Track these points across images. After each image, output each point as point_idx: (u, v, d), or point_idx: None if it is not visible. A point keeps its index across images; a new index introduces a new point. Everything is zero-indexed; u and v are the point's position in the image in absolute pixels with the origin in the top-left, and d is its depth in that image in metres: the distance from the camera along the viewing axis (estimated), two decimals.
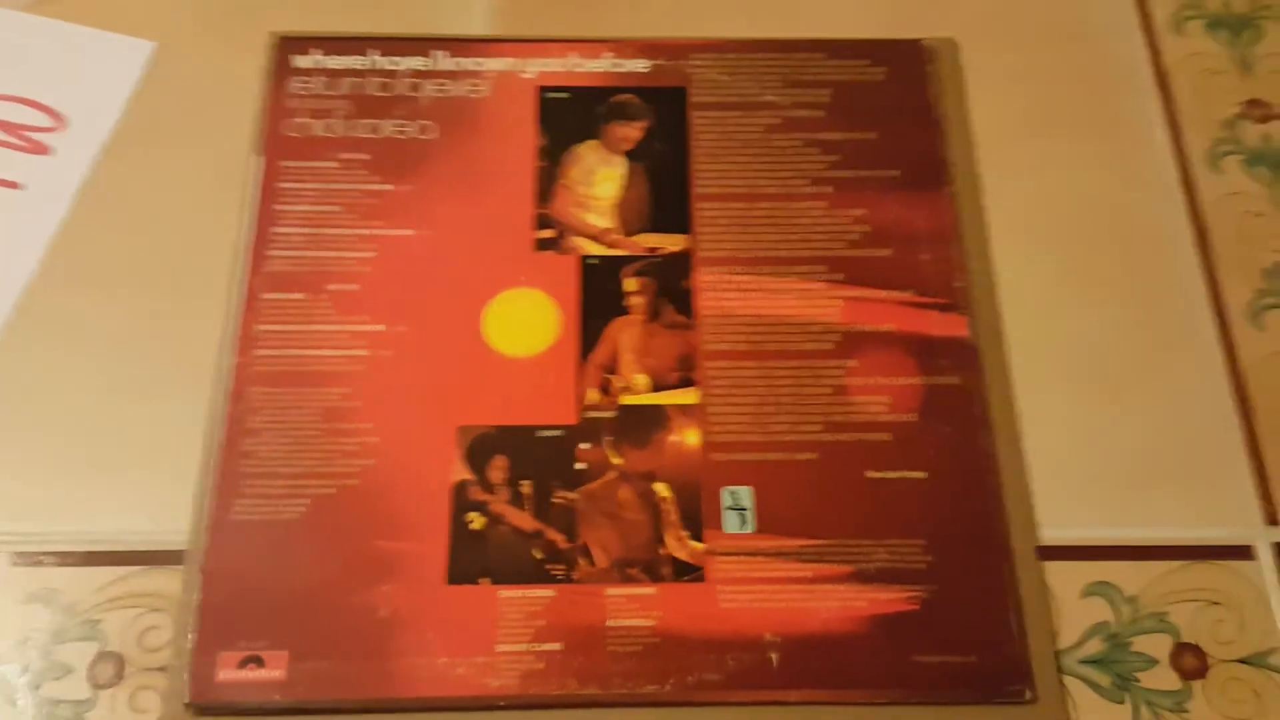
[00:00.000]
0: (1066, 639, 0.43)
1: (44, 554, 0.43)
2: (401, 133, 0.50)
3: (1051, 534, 0.44)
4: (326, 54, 0.51)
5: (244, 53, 0.52)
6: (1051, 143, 0.53)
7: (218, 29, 0.53)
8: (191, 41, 0.53)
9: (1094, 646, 0.43)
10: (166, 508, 0.43)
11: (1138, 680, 0.42)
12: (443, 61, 0.52)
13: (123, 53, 0.52)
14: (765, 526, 0.43)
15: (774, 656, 0.41)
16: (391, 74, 0.51)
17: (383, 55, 0.52)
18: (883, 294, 0.47)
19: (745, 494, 0.44)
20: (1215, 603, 0.44)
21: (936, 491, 0.44)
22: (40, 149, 0.50)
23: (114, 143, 0.51)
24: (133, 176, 0.50)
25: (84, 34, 0.53)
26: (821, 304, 0.47)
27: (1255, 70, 0.55)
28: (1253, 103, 0.54)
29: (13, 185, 0.49)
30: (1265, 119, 0.53)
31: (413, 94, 0.51)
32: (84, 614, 0.42)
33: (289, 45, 0.52)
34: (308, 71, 0.51)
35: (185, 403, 0.45)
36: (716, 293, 0.47)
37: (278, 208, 0.48)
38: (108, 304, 0.47)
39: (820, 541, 0.43)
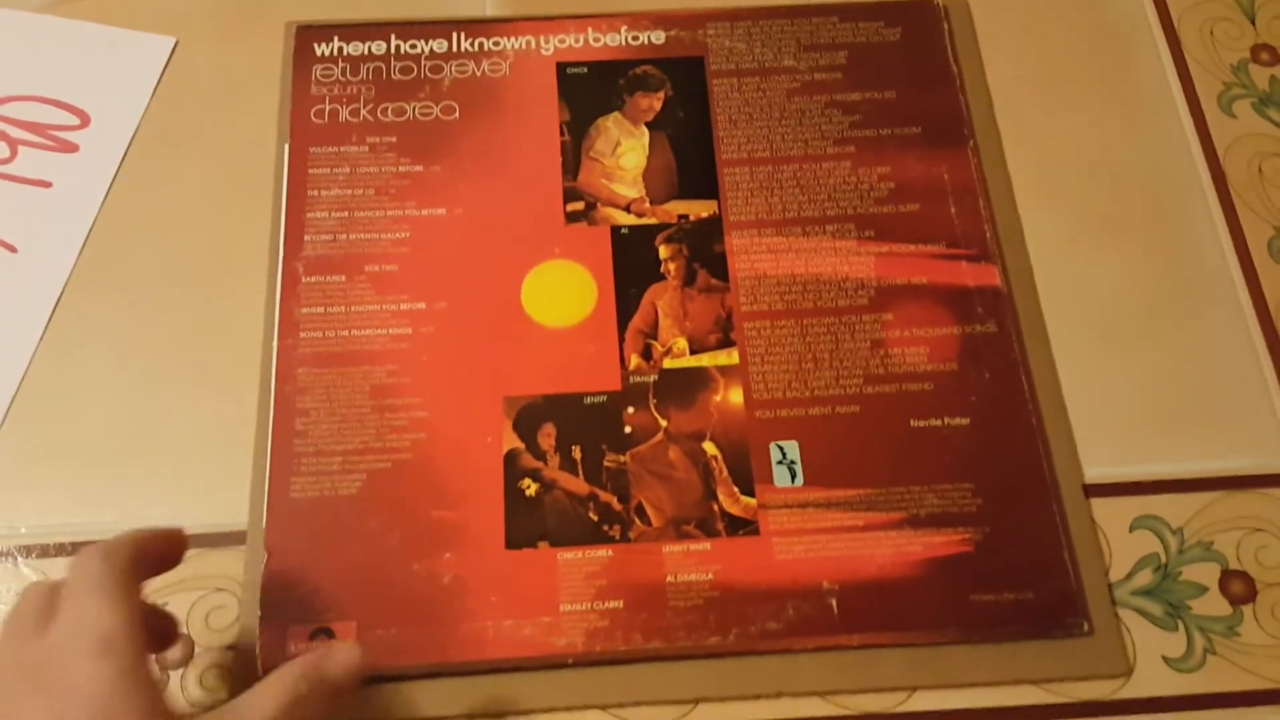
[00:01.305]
0: (1117, 572, 0.43)
1: None
2: (426, 114, 0.50)
3: (1096, 472, 0.45)
4: (346, 41, 0.52)
5: (263, 44, 0.52)
6: (1065, 96, 0.53)
7: (235, 22, 0.54)
8: (210, 36, 0.53)
9: (1145, 578, 0.43)
10: (221, 491, 0.44)
11: (1189, 608, 0.43)
12: (461, 43, 0.52)
13: (143, 50, 0.53)
14: (814, 479, 0.44)
15: (833, 603, 0.41)
16: (411, 58, 0.52)
17: (402, 39, 0.52)
18: (913, 248, 0.48)
19: (792, 448, 0.44)
20: (1258, 529, 0.44)
21: (981, 436, 0.44)
22: (68, 147, 0.50)
23: (140, 138, 0.51)
24: (161, 170, 0.50)
25: (104, 33, 0.53)
26: (853, 261, 0.48)
27: (1260, 16, 0.56)
28: (1259, 47, 0.55)
29: (44, 184, 0.50)
30: (1273, 62, 0.54)
31: (434, 76, 0.51)
32: (148, 597, 0.42)
33: (308, 34, 0.52)
34: (329, 59, 0.51)
35: (232, 389, 0.45)
36: (749, 255, 0.48)
37: (310, 193, 0.48)
38: (146, 297, 0.48)
39: (870, 490, 0.43)
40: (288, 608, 0.40)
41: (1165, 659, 0.42)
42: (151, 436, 0.45)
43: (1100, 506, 0.45)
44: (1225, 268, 0.50)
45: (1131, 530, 0.44)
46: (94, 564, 0.34)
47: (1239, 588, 0.43)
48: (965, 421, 0.45)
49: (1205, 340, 0.48)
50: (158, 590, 0.42)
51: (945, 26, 0.53)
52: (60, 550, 0.43)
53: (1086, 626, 0.41)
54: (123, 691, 0.31)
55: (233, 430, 0.45)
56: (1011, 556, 0.42)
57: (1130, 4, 0.56)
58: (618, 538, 0.42)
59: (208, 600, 0.42)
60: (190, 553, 0.42)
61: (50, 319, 0.47)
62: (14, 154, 0.50)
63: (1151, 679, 0.42)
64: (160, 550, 0.37)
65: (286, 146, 0.49)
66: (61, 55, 0.52)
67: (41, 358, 0.46)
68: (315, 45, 0.52)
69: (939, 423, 0.45)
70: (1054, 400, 0.46)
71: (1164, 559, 0.44)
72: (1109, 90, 0.54)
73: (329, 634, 0.40)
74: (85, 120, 0.51)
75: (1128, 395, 0.47)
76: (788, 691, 0.41)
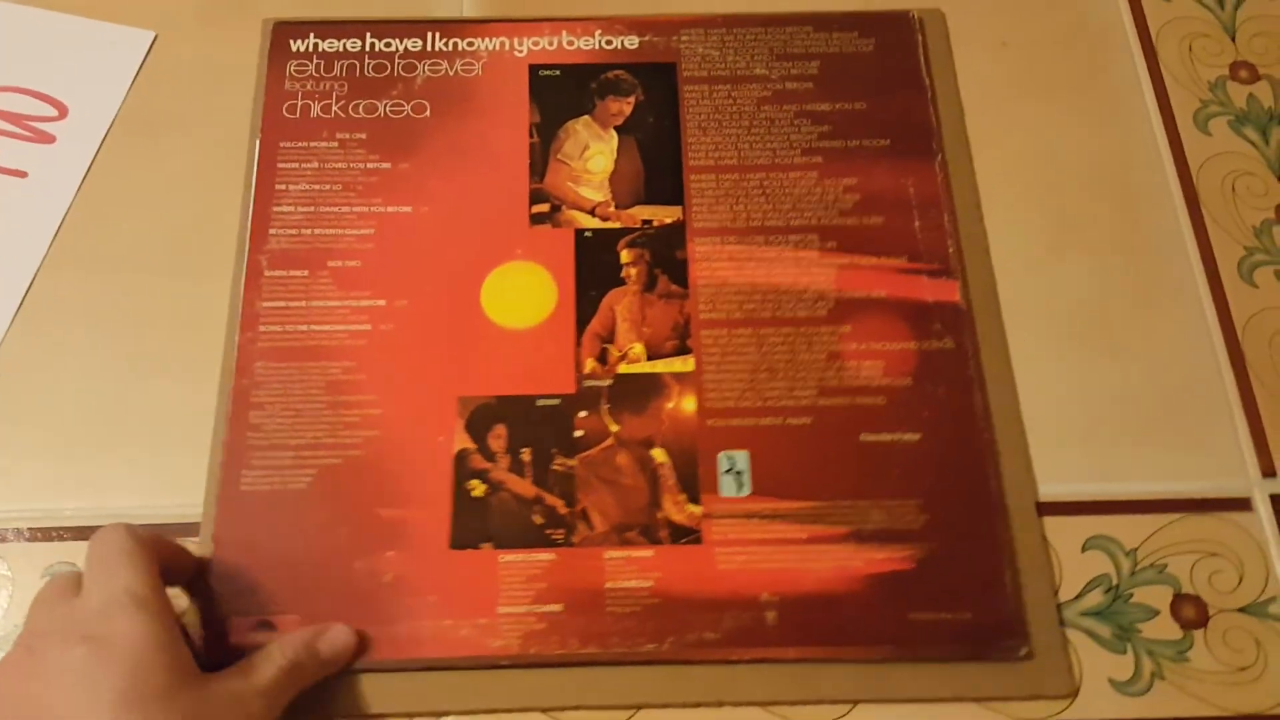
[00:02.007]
0: (1067, 592, 0.43)
1: (61, 529, 0.44)
2: (397, 112, 0.51)
3: (1051, 490, 0.45)
4: (321, 38, 0.52)
5: (241, 40, 0.53)
6: (1040, 107, 0.53)
7: (215, 18, 0.54)
8: (190, 30, 0.54)
9: (1095, 599, 0.43)
10: (182, 482, 0.44)
11: (1139, 631, 0.43)
12: (435, 43, 0.52)
13: (123, 43, 0.53)
14: (761, 489, 0.44)
15: (771, 615, 0.41)
16: (385, 56, 0.52)
17: (377, 38, 0.52)
18: (875, 261, 0.48)
19: (741, 458, 0.44)
20: (1214, 554, 0.44)
21: (931, 452, 0.44)
22: (45, 138, 0.51)
23: (116, 130, 0.52)
24: (135, 163, 0.51)
25: (85, 25, 0.54)
26: (814, 272, 0.48)
27: (1240, 33, 0.55)
28: (1239, 64, 0.54)
29: (19, 174, 0.50)
30: (1251, 80, 0.54)
31: (407, 75, 0.52)
32: None
33: (285, 30, 0.52)
34: (304, 55, 0.52)
35: (197, 380, 0.46)
36: (710, 262, 0.48)
37: (278, 187, 0.49)
38: (116, 287, 0.48)
39: (816, 503, 0.43)
40: (231, 599, 0.41)
41: (1112, 681, 0.42)
42: (116, 426, 0.46)
43: (1053, 525, 0.44)
44: (1193, 287, 0.49)
45: (1084, 550, 0.44)
46: (118, 535, 0.37)
47: (1191, 612, 0.43)
48: (916, 437, 0.45)
49: (1169, 360, 0.48)
50: None
51: (919, 39, 0.53)
52: (18, 535, 0.44)
53: (1025, 651, 0.41)
54: (158, 643, 0.35)
55: (195, 421, 0.45)
56: (953, 576, 0.42)
57: (1109, 17, 0.55)
58: (561, 541, 0.43)
59: None
60: None
61: (19, 308, 0.48)
62: None
63: (1097, 701, 0.41)
64: (172, 554, 0.40)
65: (257, 141, 0.50)
66: (43, 47, 0.53)
67: (9, 345, 0.47)
68: (291, 41, 0.52)
69: (890, 438, 0.45)
70: (1011, 416, 0.46)
71: (1115, 580, 0.44)
72: (1083, 104, 0.53)
73: (270, 627, 0.40)
74: (63, 111, 0.52)
75: (1088, 413, 0.47)
76: (729, 700, 0.41)
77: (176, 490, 0.44)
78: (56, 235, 0.49)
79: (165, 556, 0.39)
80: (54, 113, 0.52)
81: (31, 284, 0.48)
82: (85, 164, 0.51)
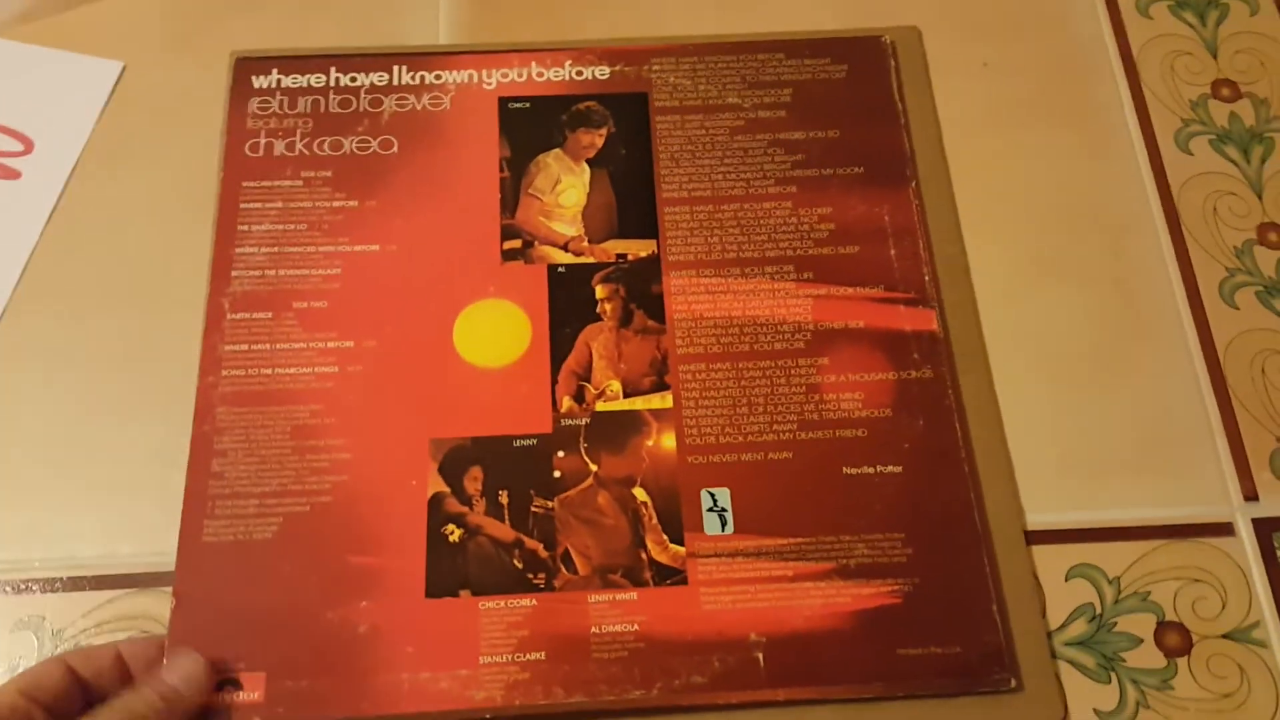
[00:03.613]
0: (1052, 621, 0.43)
1: (30, 580, 0.42)
2: (363, 149, 0.50)
3: (1035, 518, 0.44)
4: (285, 73, 0.51)
5: (209, 71, 0.52)
6: (1019, 129, 0.53)
7: (183, 47, 0.53)
8: (157, 62, 0.53)
9: (1079, 628, 0.43)
10: (151, 530, 0.43)
11: (1123, 660, 0.42)
12: (402, 76, 0.52)
13: (90, 74, 0.52)
14: (744, 527, 0.43)
15: (760, 656, 0.40)
16: (351, 90, 0.51)
17: (342, 72, 0.51)
18: (851, 291, 0.47)
19: (723, 495, 0.43)
20: (1197, 580, 0.44)
21: (913, 484, 0.44)
22: (10, 174, 0.50)
23: (82, 165, 0.50)
24: (102, 199, 0.50)
25: (51, 56, 0.52)
26: (791, 303, 0.47)
27: (1222, 51, 0.55)
28: (1221, 82, 0.54)
29: None
30: (1233, 98, 0.54)
31: (373, 110, 0.51)
32: (71, 639, 0.41)
33: (247, 66, 0.51)
34: (266, 91, 0.51)
35: (165, 424, 0.45)
36: (686, 296, 0.47)
37: (240, 228, 0.47)
38: (85, 328, 0.47)
39: (800, 539, 0.43)
40: None
41: (1098, 712, 0.41)
42: (86, 472, 0.44)
43: (1037, 554, 0.44)
44: (1175, 309, 0.49)
45: (1068, 579, 0.44)
46: None
47: (1174, 640, 0.43)
48: (898, 470, 0.44)
49: (1152, 383, 0.48)
50: (83, 631, 0.42)
51: (892, 64, 0.53)
52: None
53: (1014, 683, 0.41)
54: None
55: (166, 466, 0.44)
56: (940, 609, 0.41)
57: (1091, 35, 0.55)
58: (542, 586, 0.41)
59: None
60: (118, 593, 0.42)
61: None
62: None
63: None
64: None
65: (219, 181, 0.49)
66: (8, 79, 0.52)
67: None
68: (253, 78, 0.51)
69: (871, 470, 0.44)
70: (995, 444, 0.45)
71: (1099, 609, 0.43)
72: (1064, 124, 0.53)
73: (235, 685, 0.39)
74: (29, 146, 0.51)
75: (1069, 439, 0.46)
76: None
77: (149, 539, 0.43)
78: (21, 277, 0.48)
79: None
80: (20, 147, 0.50)
81: None
82: (52, 201, 0.49)
